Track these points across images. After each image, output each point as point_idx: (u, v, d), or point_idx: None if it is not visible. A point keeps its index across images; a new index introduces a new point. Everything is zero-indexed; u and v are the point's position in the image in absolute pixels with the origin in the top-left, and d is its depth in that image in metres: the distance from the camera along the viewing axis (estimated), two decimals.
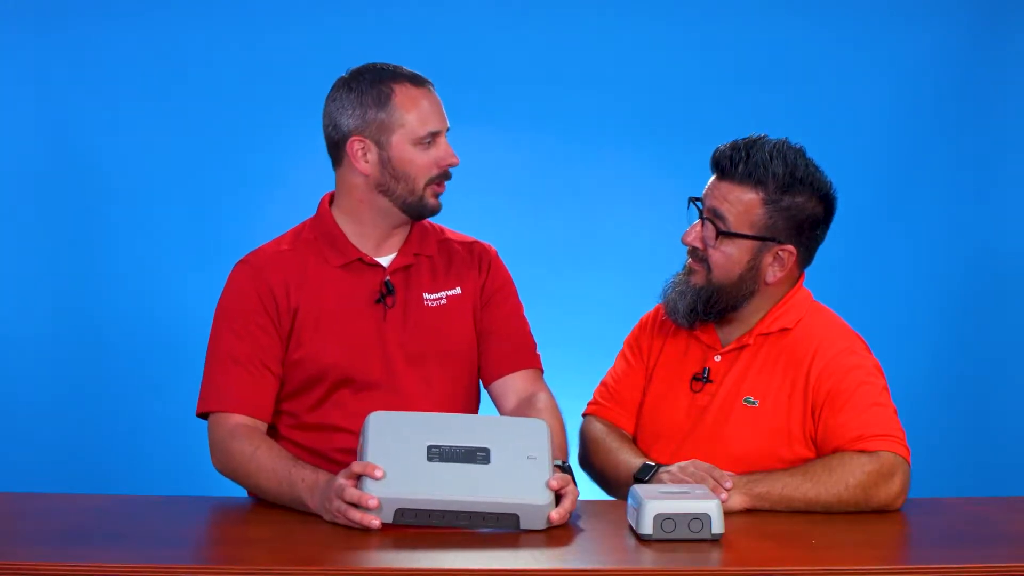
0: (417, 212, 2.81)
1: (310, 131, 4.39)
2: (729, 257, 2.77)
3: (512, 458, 2.46)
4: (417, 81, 2.79)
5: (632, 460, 2.77)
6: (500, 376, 2.90)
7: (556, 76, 4.52)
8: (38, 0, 4.39)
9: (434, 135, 2.77)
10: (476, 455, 2.46)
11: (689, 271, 2.82)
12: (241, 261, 2.84)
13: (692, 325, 2.83)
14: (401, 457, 2.43)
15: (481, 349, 2.91)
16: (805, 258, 2.83)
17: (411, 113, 2.76)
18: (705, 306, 2.79)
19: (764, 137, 2.79)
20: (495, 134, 4.45)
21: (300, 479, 2.56)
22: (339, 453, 2.76)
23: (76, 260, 4.42)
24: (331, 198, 2.89)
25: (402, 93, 2.76)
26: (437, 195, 2.81)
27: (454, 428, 2.50)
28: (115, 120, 4.42)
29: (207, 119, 4.44)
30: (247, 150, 4.46)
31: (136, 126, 4.42)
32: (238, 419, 2.72)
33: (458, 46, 4.45)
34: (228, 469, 2.71)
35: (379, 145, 2.77)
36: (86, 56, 4.40)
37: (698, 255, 2.80)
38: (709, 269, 2.78)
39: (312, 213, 2.91)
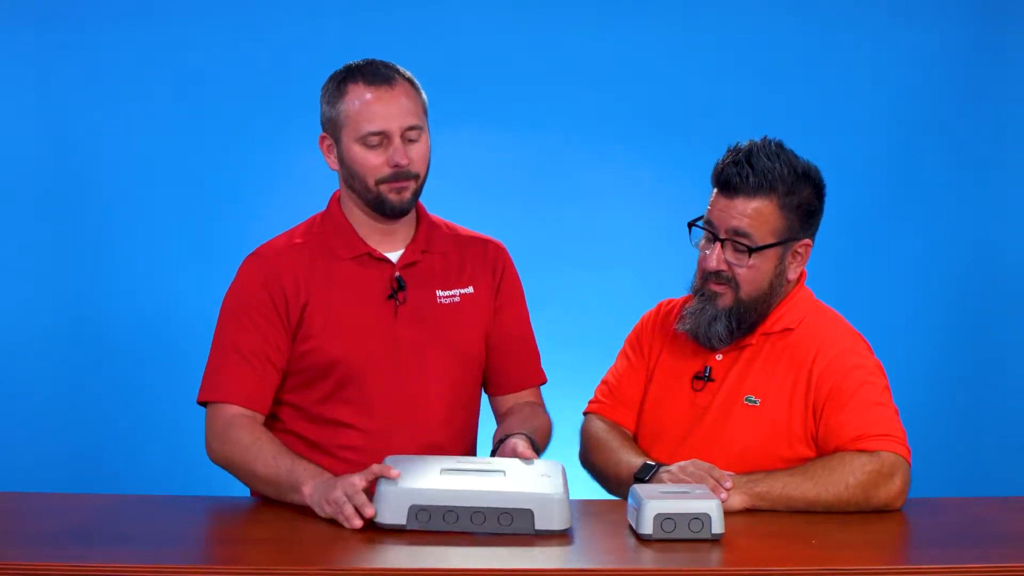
0: (380, 210, 2.80)
1: (310, 130, 4.41)
2: (758, 270, 2.76)
3: (526, 474, 2.49)
4: (373, 79, 2.76)
5: (632, 459, 2.77)
6: (504, 393, 2.95)
7: (556, 76, 4.52)
8: (38, 0, 4.39)
9: (380, 135, 2.74)
10: (491, 471, 2.49)
11: (712, 295, 2.78)
12: (253, 253, 2.85)
13: (733, 346, 2.81)
14: (416, 470, 2.46)
15: (488, 360, 2.92)
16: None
17: (355, 112, 2.75)
18: (738, 323, 2.78)
19: (752, 143, 2.78)
20: (495, 134, 4.45)
21: (303, 468, 2.58)
22: (344, 450, 2.77)
23: (76, 260, 4.42)
24: (341, 192, 2.89)
25: (353, 92, 2.76)
26: (398, 192, 2.77)
27: (469, 460, 2.56)
28: (115, 120, 4.42)
29: (207, 118, 4.44)
30: (247, 149, 4.46)
31: (136, 126, 4.43)
32: (237, 410, 2.74)
33: (458, 46, 4.45)
34: (223, 456, 2.72)
35: (337, 142, 2.79)
36: (86, 56, 4.40)
37: (723, 277, 2.77)
38: (738, 287, 2.76)
39: (314, 211, 2.92)
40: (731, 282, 2.77)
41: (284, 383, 2.82)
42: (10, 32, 4.38)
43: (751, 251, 2.74)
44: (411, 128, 2.76)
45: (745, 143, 2.78)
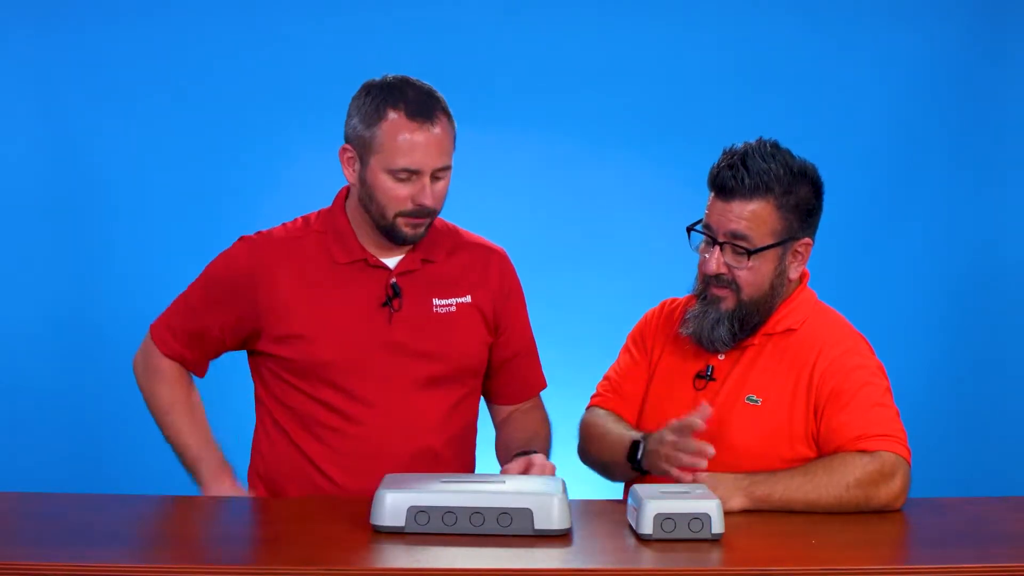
0: (389, 237, 2.78)
1: (309, 131, 4.42)
2: (757, 272, 2.75)
3: (525, 479, 2.53)
4: (416, 114, 2.71)
5: (624, 432, 2.78)
6: (507, 404, 2.97)
7: (557, 77, 4.52)
8: (38, 0, 4.39)
9: (412, 172, 2.72)
10: (490, 479, 2.52)
11: (715, 299, 2.77)
12: (249, 237, 2.88)
13: (736, 346, 2.81)
14: (416, 479, 2.48)
15: (492, 372, 2.93)
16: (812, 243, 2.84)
17: (392, 143, 2.70)
18: (741, 325, 2.78)
19: (747, 144, 2.77)
20: (496, 135, 4.45)
21: (204, 464, 2.86)
22: (336, 454, 2.79)
23: (76, 260, 4.42)
24: (348, 191, 2.87)
25: (394, 120, 2.71)
26: (413, 227, 2.76)
27: (469, 476, 2.63)
28: (115, 120, 4.42)
29: (207, 118, 4.44)
30: (248, 149, 4.46)
31: (136, 126, 4.43)
32: (169, 362, 2.91)
33: (460, 46, 4.45)
34: (143, 388, 2.95)
35: (361, 161, 2.75)
36: (86, 56, 4.40)
37: (723, 280, 2.77)
38: (739, 289, 2.75)
39: (312, 211, 2.91)
40: (732, 285, 2.76)
41: (277, 386, 2.83)
42: (10, 32, 4.38)
43: (749, 253, 2.74)
44: (442, 168, 2.74)
45: (740, 145, 2.77)
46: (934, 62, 4.51)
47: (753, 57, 4.53)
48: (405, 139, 2.70)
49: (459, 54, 4.42)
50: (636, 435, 2.76)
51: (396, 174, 2.72)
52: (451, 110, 2.76)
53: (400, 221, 2.75)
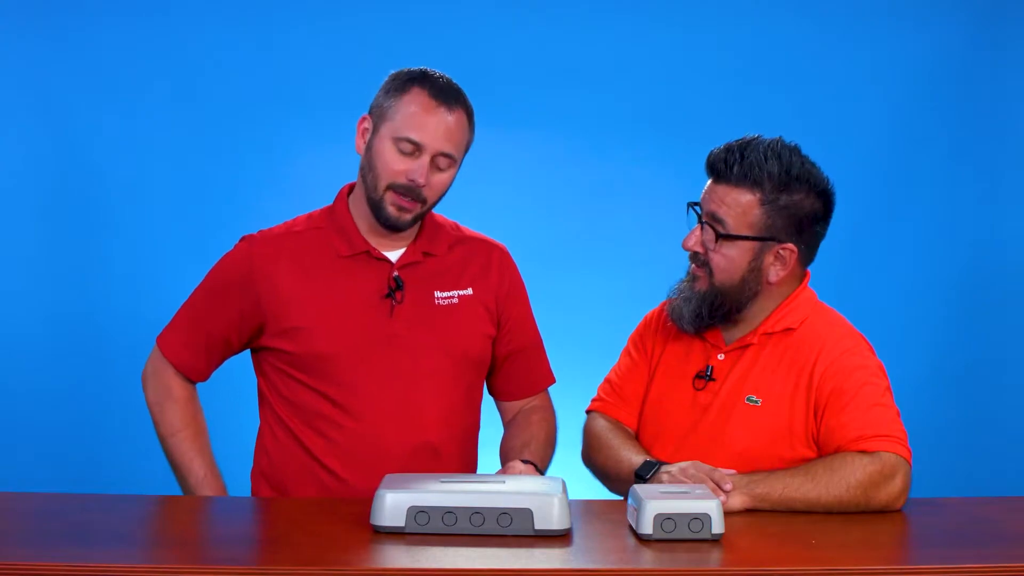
0: (376, 215, 2.80)
1: (310, 130, 4.42)
2: (730, 260, 2.76)
3: (525, 479, 2.53)
4: (438, 94, 2.76)
5: (634, 457, 2.77)
6: (510, 400, 2.99)
7: (558, 76, 4.53)
8: (38, 0, 4.40)
9: (415, 145, 2.74)
10: (490, 479, 2.52)
11: (693, 277, 2.80)
12: (250, 236, 2.89)
13: (697, 331, 2.82)
14: (416, 479, 2.48)
15: (496, 368, 2.94)
16: (807, 256, 2.83)
17: (404, 111, 2.75)
18: (710, 310, 2.78)
19: (758, 137, 2.78)
20: (497, 134, 4.43)
21: (207, 487, 2.86)
22: (336, 447, 2.79)
23: (76, 260, 4.42)
24: (350, 189, 2.90)
25: (414, 95, 2.76)
26: (399, 208, 2.77)
27: (468, 476, 2.60)
28: (115, 120, 4.42)
29: (207, 118, 4.45)
30: (248, 149, 4.46)
31: (136, 126, 4.43)
32: (176, 377, 2.91)
33: (460, 46, 4.45)
34: (151, 404, 2.93)
35: (374, 128, 2.78)
36: (86, 56, 4.40)
37: (699, 260, 2.78)
38: (711, 273, 2.77)
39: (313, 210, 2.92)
40: (706, 267, 2.78)
41: (280, 381, 2.84)
42: (10, 32, 4.38)
43: (718, 236, 2.74)
44: (445, 155, 2.77)
45: (752, 135, 2.78)
46: (934, 62, 4.52)
47: (753, 57, 4.54)
48: (418, 112, 2.75)
49: (459, 54, 4.41)
50: (641, 460, 2.75)
51: (400, 143, 2.74)
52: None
53: (388, 196, 2.77)
